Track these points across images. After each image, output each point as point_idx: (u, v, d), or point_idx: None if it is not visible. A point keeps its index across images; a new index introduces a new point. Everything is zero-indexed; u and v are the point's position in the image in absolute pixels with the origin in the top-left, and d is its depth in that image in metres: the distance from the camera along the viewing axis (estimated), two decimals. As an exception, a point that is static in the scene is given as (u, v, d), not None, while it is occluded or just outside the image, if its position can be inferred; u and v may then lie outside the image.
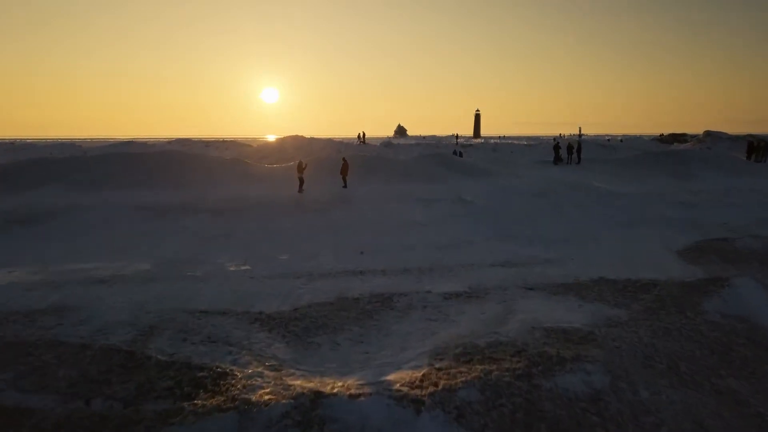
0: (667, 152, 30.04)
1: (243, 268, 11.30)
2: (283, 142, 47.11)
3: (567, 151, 29.01)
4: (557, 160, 28.81)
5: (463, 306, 8.40)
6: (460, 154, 45.88)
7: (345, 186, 20.66)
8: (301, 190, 19.52)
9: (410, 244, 13.79)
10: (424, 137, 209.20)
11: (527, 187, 21.54)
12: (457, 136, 59.89)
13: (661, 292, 8.62)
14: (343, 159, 21.20)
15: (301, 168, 19.61)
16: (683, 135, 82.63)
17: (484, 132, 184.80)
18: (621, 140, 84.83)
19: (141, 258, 11.97)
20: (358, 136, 50.08)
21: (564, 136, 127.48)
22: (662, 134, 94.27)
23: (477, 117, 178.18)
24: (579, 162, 28.51)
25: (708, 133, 70.12)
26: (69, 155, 26.07)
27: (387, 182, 21.53)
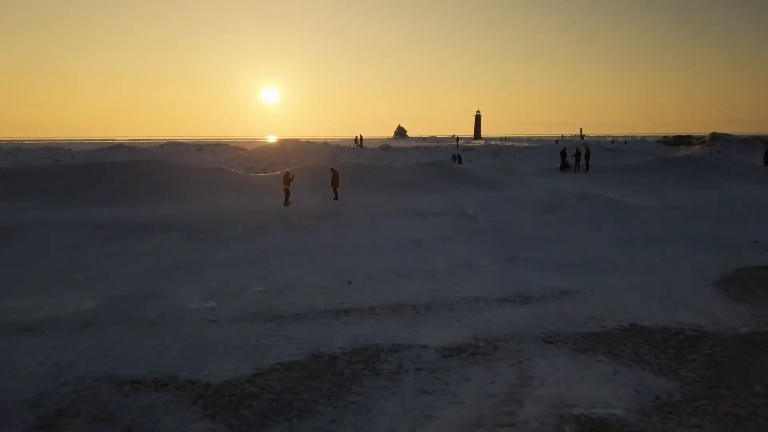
0: (680, 158, 28.34)
1: (207, 305, 9.60)
2: (277, 146, 45.44)
3: (575, 157, 27.30)
4: (564, 166, 27.13)
5: (466, 369, 6.70)
6: (459, 159, 44.14)
7: (336, 198, 18.98)
8: (287, 203, 17.83)
9: (405, 270, 12.11)
10: (424, 138, 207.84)
11: (534, 199, 19.84)
12: (457, 139, 58.16)
13: (713, 351, 6.92)
14: (332, 170, 19.47)
15: (287, 179, 17.91)
16: (689, 137, 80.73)
17: (484, 133, 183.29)
18: (625, 142, 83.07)
19: (91, 291, 10.29)
20: (355, 140, 48.41)
21: (566, 137, 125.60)
22: (666, 136, 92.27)
23: (477, 118, 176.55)
24: (587, 169, 26.83)
25: (715, 136, 68.29)
26: (40, 164, 24.38)
27: (382, 194, 19.83)
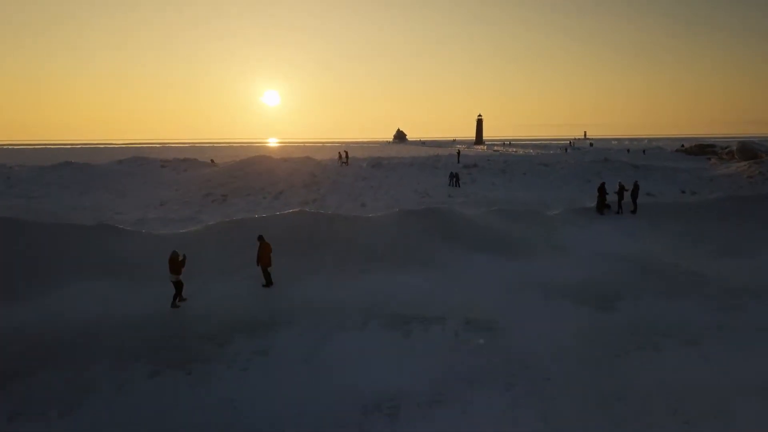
0: (754, 196, 21.27)
1: None
2: (249, 165, 38.49)
3: (617, 194, 20.20)
4: (602, 207, 20.19)
5: None
6: (457, 179, 37.30)
7: (267, 284, 12.00)
8: (177, 302, 10.84)
9: None
10: (423, 142, 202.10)
11: (578, 277, 12.88)
12: (458, 153, 51.12)
13: None
14: (260, 240, 12.31)
15: (175, 265, 10.81)
16: (711, 146, 73.54)
17: (486, 134, 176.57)
18: (644, 151, 75.87)
19: None
20: (339, 156, 41.41)
21: (573, 142, 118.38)
22: (683, 145, 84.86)
23: (479, 122, 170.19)
24: (635, 210, 19.88)
25: (744, 146, 61.14)
26: None
27: (343, 270, 12.86)
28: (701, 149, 73.58)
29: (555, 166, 45.47)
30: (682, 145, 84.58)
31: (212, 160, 73.30)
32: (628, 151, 79.57)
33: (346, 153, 41.78)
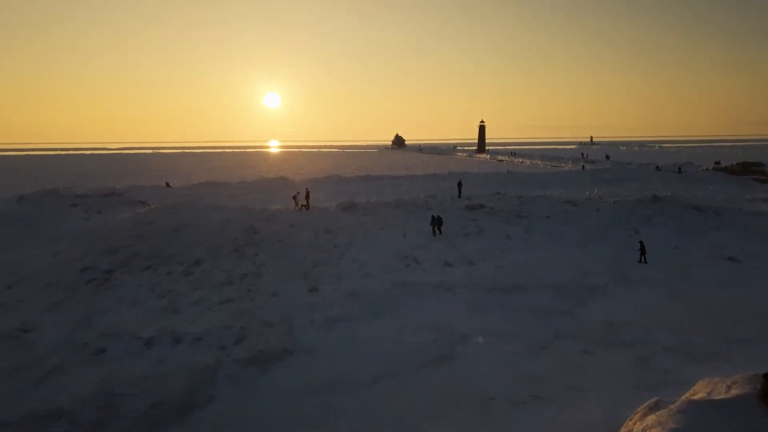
0: None
1: None
2: (159, 216, 27.44)
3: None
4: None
5: None
6: (439, 224, 26.37)
7: None
8: None
9: None
10: (421, 148, 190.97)
11: None
12: (459, 185, 39.94)
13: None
14: None
15: None
16: (758, 165, 62.20)
17: (489, 136, 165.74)
18: (679, 169, 64.26)
19: None
20: (294, 199, 30.05)
21: (587, 155, 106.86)
22: (718, 162, 73.05)
23: (481, 129, 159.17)
24: None
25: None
26: None
27: None
28: (745, 168, 62.40)
29: (586, 205, 34.25)
30: (718, 162, 73.04)
31: (167, 183, 61.46)
32: (658, 168, 68.12)
33: (307, 192, 30.46)
